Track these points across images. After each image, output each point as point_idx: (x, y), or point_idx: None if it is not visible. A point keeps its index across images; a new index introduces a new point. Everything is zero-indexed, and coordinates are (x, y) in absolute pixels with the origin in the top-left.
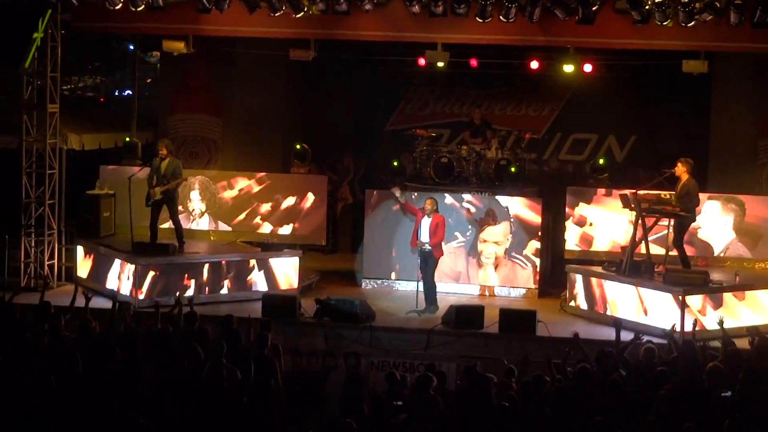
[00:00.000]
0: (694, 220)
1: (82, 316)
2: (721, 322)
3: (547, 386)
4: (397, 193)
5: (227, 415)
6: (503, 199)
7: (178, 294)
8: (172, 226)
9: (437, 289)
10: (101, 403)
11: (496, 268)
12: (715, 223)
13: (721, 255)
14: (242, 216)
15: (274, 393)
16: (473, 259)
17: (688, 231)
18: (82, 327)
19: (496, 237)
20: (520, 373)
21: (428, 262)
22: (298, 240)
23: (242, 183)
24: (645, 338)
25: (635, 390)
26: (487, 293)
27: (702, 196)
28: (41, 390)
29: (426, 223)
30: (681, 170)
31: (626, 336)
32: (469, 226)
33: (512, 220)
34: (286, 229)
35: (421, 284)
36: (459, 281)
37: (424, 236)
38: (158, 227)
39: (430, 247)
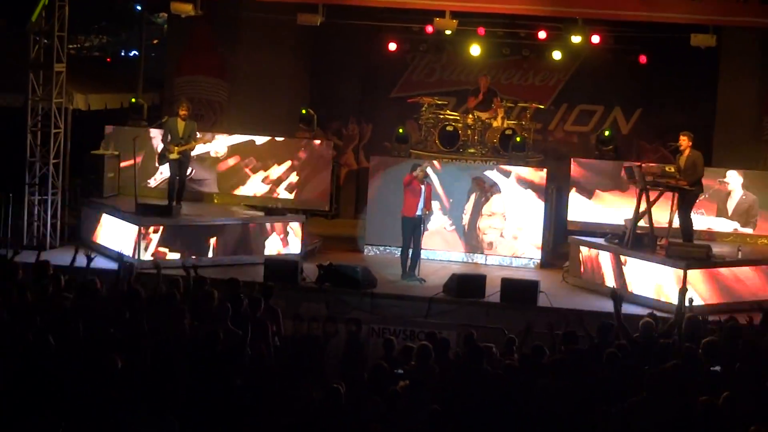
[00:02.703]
0: (702, 193)
1: (84, 277)
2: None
3: (546, 357)
4: (425, 171)
5: (223, 376)
6: (508, 169)
7: (182, 258)
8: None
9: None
10: (101, 363)
11: (499, 237)
12: (719, 197)
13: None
14: (245, 179)
15: (268, 357)
16: (477, 228)
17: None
18: (85, 287)
19: (500, 207)
20: (521, 342)
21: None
22: (302, 205)
23: (246, 146)
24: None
25: (633, 364)
26: (489, 263)
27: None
28: (40, 349)
29: (423, 191)
30: (686, 143)
31: (628, 308)
32: (474, 195)
33: (516, 190)
34: (289, 194)
35: (407, 252)
36: (462, 251)
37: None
38: (176, 186)
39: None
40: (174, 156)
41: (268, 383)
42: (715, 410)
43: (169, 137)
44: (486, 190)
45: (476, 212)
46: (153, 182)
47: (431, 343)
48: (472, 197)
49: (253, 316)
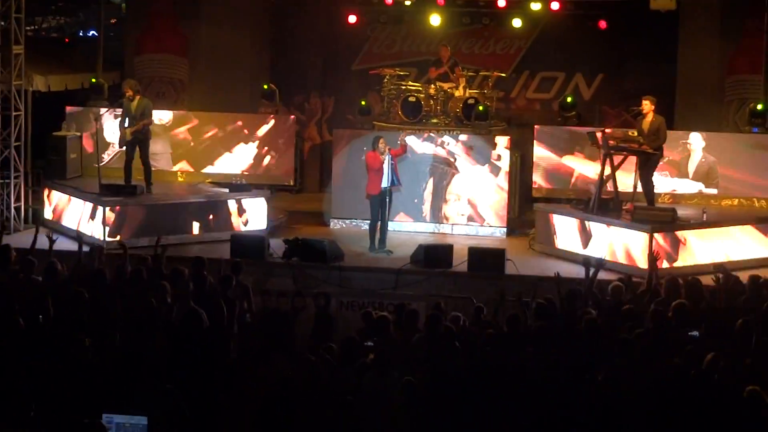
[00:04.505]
0: (662, 158)
1: (47, 259)
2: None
3: (522, 327)
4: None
5: (193, 355)
6: (471, 138)
7: (148, 237)
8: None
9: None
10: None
11: (465, 207)
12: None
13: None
14: (209, 156)
15: (239, 333)
16: (443, 198)
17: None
18: (48, 269)
19: (464, 176)
20: (494, 310)
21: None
22: (266, 180)
23: (209, 123)
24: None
25: (604, 328)
26: (456, 232)
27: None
28: (7, 331)
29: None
30: (648, 107)
31: (601, 276)
32: (438, 165)
33: (480, 158)
34: (253, 170)
35: (375, 225)
36: (427, 221)
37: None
38: (132, 168)
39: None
40: (128, 138)
41: (238, 359)
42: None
43: (126, 120)
44: (450, 160)
45: (441, 182)
46: (106, 157)
47: (399, 314)
48: (437, 167)
49: (223, 294)
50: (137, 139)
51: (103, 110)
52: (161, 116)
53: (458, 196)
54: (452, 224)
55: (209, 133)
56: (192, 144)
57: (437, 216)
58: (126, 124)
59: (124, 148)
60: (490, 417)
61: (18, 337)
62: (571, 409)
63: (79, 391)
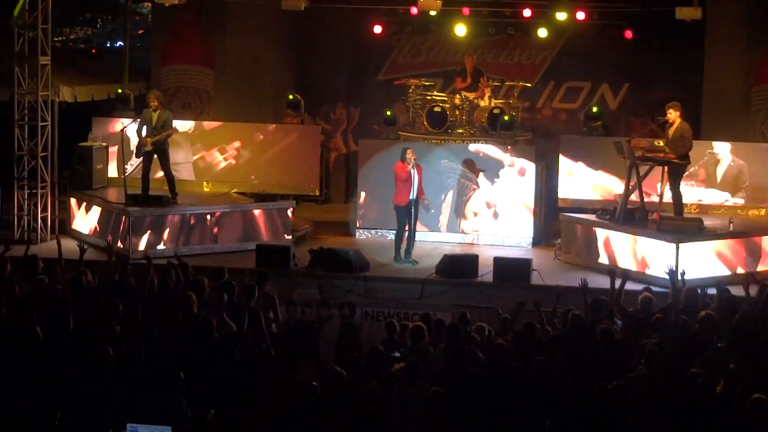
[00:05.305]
0: (689, 164)
1: (76, 268)
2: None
3: (537, 333)
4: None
5: (218, 366)
6: (497, 148)
7: (174, 247)
8: (163, 178)
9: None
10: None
11: (491, 217)
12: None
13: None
14: (236, 167)
15: (265, 343)
16: (468, 208)
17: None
18: (76, 279)
19: (491, 187)
20: (512, 318)
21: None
22: (292, 190)
23: (235, 135)
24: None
25: (632, 339)
26: (481, 242)
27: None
28: (28, 342)
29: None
30: (674, 115)
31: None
32: (463, 176)
33: (506, 169)
34: (279, 179)
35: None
36: (453, 231)
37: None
38: (150, 178)
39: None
40: (148, 148)
41: (264, 370)
42: (710, 385)
43: (144, 129)
44: (476, 170)
45: (467, 193)
46: (129, 167)
47: (426, 324)
48: (463, 178)
49: (247, 304)
50: (157, 150)
51: (127, 121)
52: (183, 125)
53: (484, 206)
54: (478, 234)
55: (235, 143)
56: (218, 154)
57: (463, 226)
58: (144, 134)
59: (141, 158)
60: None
61: (39, 348)
62: (587, 417)
63: (103, 402)
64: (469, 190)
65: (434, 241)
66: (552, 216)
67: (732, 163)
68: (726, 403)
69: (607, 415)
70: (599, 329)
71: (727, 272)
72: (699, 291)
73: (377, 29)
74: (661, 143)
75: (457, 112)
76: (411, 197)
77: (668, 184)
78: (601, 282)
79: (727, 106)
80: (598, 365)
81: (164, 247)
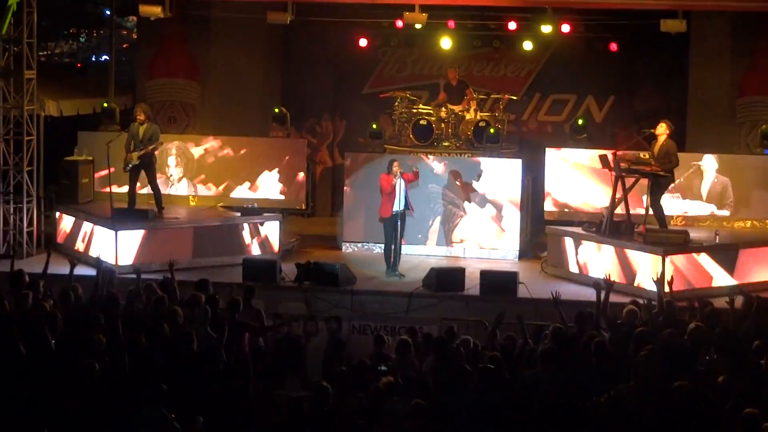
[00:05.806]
0: (674, 181)
1: (65, 283)
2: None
3: (518, 347)
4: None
5: (202, 380)
6: (482, 161)
7: (161, 261)
8: (151, 192)
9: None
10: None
11: (477, 230)
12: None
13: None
14: (221, 181)
15: (249, 358)
16: (453, 221)
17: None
18: (65, 294)
19: (477, 199)
20: (492, 331)
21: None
22: (278, 204)
23: (220, 147)
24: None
25: (616, 351)
26: (468, 255)
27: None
28: (12, 358)
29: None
30: (663, 130)
31: (613, 298)
32: (451, 189)
33: (492, 181)
34: (265, 194)
35: (391, 248)
36: (439, 244)
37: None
38: (137, 193)
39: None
40: (135, 162)
41: (248, 384)
42: (701, 398)
43: (132, 143)
44: (462, 183)
45: (453, 205)
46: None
47: (412, 338)
48: (449, 190)
49: (231, 318)
50: (144, 164)
51: (114, 135)
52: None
53: (470, 219)
54: (464, 247)
55: (220, 157)
56: (203, 168)
57: (449, 239)
58: (131, 149)
59: (128, 172)
60: None
61: (23, 363)
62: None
63: (89, 416)
64: (455, 203)
65: (420, 254)
66: (538, 228)
67: (716, 180)
68: (717, 418)
69: (599, 428)
70: (594, 342)
71: (712, 284)
72: (687, 303)
73: (363, 42)
74: (647, 156)
75: (443, 125)
76: (396, 209)
77: (650, 196)
78: (587, 294)
79: (712, 118)
80: (590, 378)
81: (150, 261)
